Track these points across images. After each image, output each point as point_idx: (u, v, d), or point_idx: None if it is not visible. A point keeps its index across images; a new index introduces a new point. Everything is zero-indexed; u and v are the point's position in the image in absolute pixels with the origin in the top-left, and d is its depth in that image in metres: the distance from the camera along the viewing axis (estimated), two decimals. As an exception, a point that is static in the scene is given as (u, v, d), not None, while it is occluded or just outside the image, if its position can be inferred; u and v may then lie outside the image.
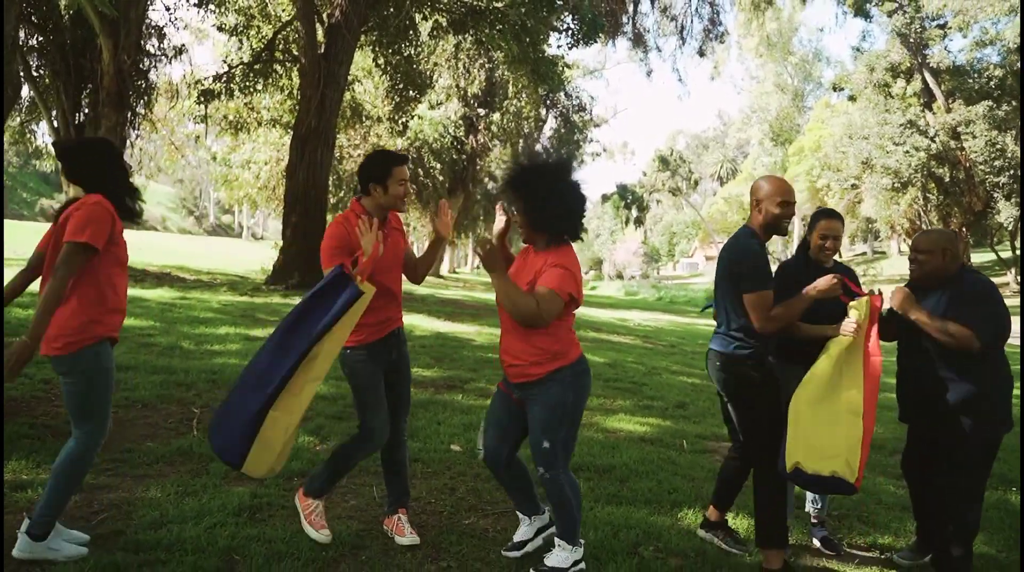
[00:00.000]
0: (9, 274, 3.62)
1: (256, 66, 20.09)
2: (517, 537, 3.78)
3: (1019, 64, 34.52)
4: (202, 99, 19.94)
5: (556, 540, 3.53)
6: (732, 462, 4.15)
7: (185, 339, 9.04)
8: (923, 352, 3.77)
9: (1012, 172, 34.45)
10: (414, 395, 5.01)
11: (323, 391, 6.81)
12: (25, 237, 27.45)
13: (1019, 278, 39.74)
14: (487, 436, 3.68)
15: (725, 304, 3.79)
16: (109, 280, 3.32)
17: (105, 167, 3.40)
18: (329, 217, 19.08)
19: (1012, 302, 34.24)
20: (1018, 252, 42.08)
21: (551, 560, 3.50)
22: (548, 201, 3.41)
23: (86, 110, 17.66)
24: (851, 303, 3.72)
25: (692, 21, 32.71)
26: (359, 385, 3.70)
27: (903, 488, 5.38)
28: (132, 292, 13.63)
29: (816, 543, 4.20)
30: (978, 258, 52.11)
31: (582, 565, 3.53)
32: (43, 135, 19.35)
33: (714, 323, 3.99)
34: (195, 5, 18.52)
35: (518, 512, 3.83)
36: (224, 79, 20.00)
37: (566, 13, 20.69)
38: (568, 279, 3.37)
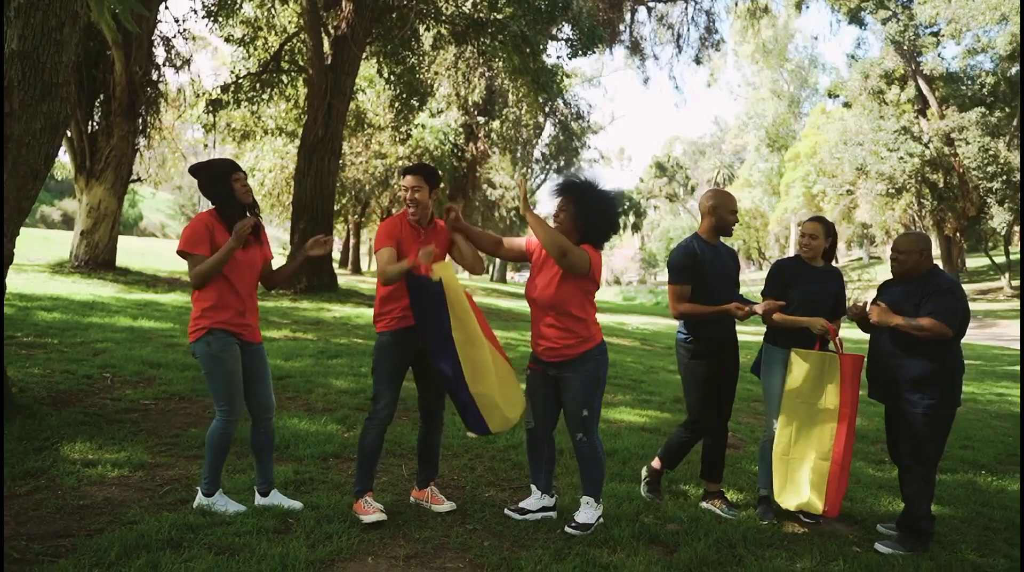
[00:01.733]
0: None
1: (263, 76, 20.58)
2: (523, 504, 4.31)
3: (1012, 70, 35.10)
4: (210, 108, 20.42)
5: (584, 499, 4.14)
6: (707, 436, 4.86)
7: (207, 340, 9.50)
8: (889, 338, 4.32)
9: (1005, 178, 34.98)
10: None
11: (345, 385, 7.31)
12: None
13: (1013, 282, 40.24)
14: (537, 409, 4.25)
15: None
16: (220, 282, 3.96)
17: (216, 188, 4.03)
18: (336, 224, 19.44)
19: (1007, 306, 34.74)
20: (1012, 257, 42.61)
21: (581, 516, 4.09)
22: (597, 207, 4.05)
23: (98, 120, 18.11)
24: (795, 350, 4.47)
25: (688, 29, 33.31)
26: (376, 363, 4.21)
27: (881, 471, 5.90)
28: (147, 297, 14.12)
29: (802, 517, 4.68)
30: (972, 263, 52.61)
31: (602, 519, 4.15)
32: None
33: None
34: (204, 17, 18.99)
35: (533, 485, 4.34)
36: (231, 89, 20.49)
37: (565, 23, 21.20)
38: (594, 258, 4.02)
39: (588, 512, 4.11)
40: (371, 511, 3.98)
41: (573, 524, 4.07)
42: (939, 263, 36.79)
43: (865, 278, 46.28)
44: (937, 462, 4.34)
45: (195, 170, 4.14)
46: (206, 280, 3.93)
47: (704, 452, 4.82)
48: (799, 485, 4.33)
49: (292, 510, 4.01)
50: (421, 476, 4.39)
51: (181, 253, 3.98)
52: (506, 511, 4.28)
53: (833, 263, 4.88)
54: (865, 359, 4.51)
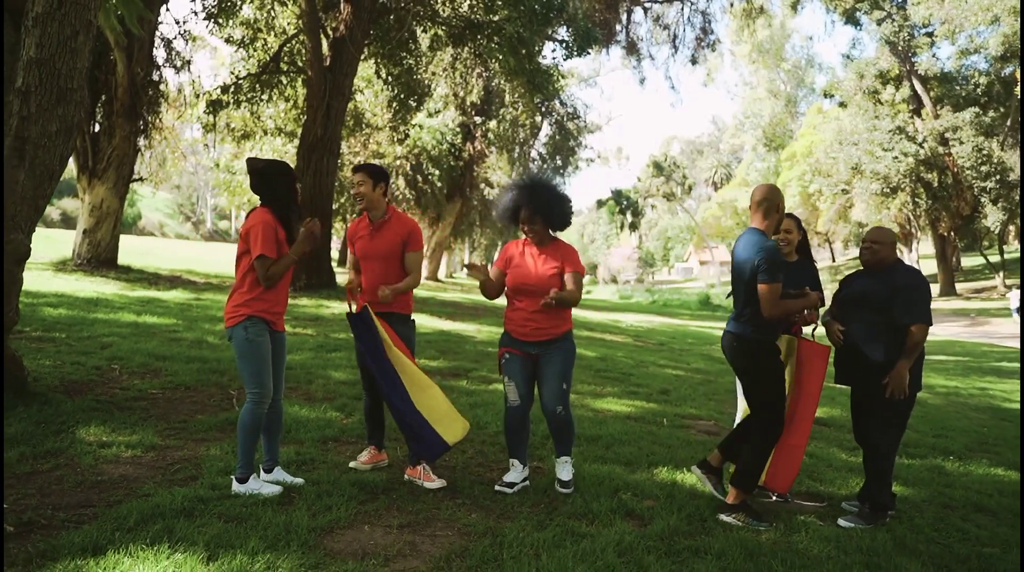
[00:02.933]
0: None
1: (263, 77, 20.87)
2: (509, 478, 4.67)
3: (1006, 71, 35.42)
4: (210, 109, 20.70)
5: (562, 459, 4.69)
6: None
7: (209, 334, 9.81)
8: (861, 326, 4.62)
9: (998, 177, 35.34)
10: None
11: (343, 377, 7.63)
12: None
13: (1008, 281, 40.53)
14: (520, 389, 4.64)
15: (742, 293, 4.43)
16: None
17: (281, 188, 4.29)
18: (335, 223, 19.63)
19: (1002, 305, 35.02)
20: (1006, 256, 42.93)
21: (564, 474, 4.67)
22: (560, 207, 4.59)
23: (100, 120, 18.37)
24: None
25: (684, 30, 33.75)
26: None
27: (853, 456, 6.19)
28: (149, 294, 14.41)
29: (771, 494, 4.99)
30: (967, 262, 52.94)
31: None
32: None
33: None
34: (204, 19, 19.26)
35: (515, 460, 4.70)
36: (231, 90, 20.78)
37: (561, 24, 21.51)
38: (580, 264, 4.74)
39: (567, 468, 4.70)
40: (362, 460, 4.82)
41: (561, 483, 4.62)
42: (935, 262, 36.74)
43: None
44: (900, 439, 4.66)
45: (260, 166, 4.30)
46: (278, 281, 4.24)
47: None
48: None
49: (295, 485, 4.31)
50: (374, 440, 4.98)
51: (262, 257, 4.13)
52: (496, 487, 4.59)
53: (819, 256, 5.19)
54: (832, 348, 4.83)
